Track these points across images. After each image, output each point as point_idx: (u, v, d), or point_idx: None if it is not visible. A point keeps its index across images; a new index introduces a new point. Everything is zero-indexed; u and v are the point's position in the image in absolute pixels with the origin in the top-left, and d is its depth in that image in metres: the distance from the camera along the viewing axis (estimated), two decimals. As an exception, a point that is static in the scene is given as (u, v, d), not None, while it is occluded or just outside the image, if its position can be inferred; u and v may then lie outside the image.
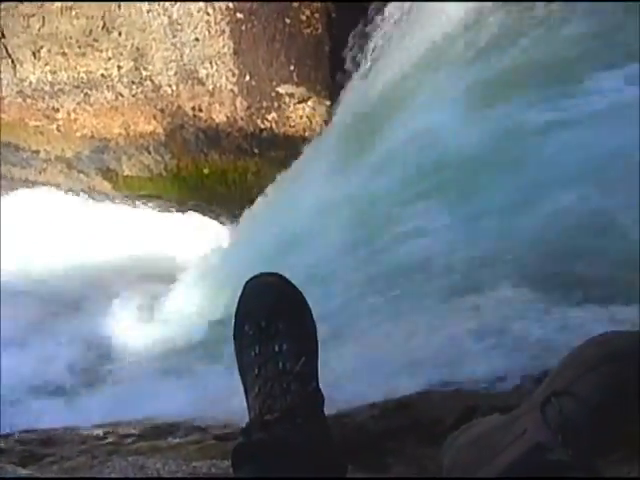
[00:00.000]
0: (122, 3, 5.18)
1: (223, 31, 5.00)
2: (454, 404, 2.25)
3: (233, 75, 5.07)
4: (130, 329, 4.67)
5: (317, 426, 1.36)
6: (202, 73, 5.15)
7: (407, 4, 4.62)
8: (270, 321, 1.41)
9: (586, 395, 1.39)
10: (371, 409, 2.22)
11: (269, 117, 5.07)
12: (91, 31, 5.28)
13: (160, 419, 2.53)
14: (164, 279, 5.09)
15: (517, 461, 1.37)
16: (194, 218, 5.66)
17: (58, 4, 5.25)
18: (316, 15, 4.80)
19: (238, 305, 1.47)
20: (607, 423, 1.39)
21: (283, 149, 5.10)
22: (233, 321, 1.47)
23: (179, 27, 5.12)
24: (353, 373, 2.83)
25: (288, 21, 4.84)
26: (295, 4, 4.77)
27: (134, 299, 4.98)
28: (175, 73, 5.24)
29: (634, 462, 1.55)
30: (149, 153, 5.53)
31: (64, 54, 5.43)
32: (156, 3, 5.11)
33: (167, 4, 5.08)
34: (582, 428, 1.36)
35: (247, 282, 1.48)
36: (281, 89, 4.98)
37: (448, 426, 1.91)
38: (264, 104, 5.05)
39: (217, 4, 4.94)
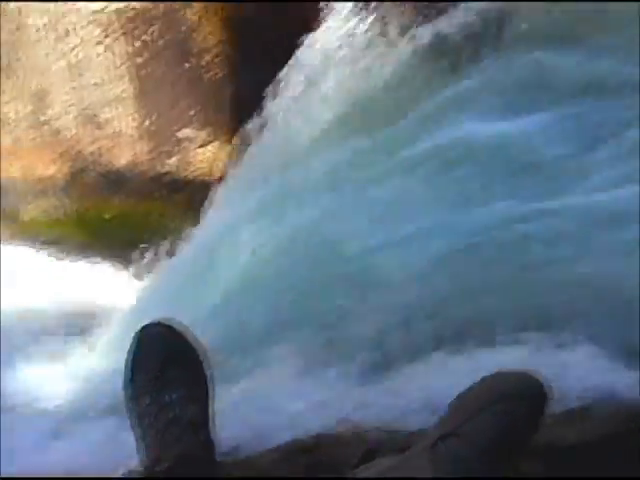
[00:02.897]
0: (20, 47, 5.11)
1: (123, 75, 4.98)
2: (358, 445, 2.26)
3: (134, 119, 5.05)
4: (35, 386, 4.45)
5: (209, 474, 1.36)
6: (102, 117, 5.11)
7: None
8: (160, 371, 1.41)
9: (475, 436, 1.41)
10: (272, 453, 2.21)
11: (170, 161, 5.06)
12: (-11, 74, 5.19)
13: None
14: (67, 330, 4.91)
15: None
16: (96, 264, 5.53)
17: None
18: (216, 60, 4.84)
19: (128, 356, 1.47)
20: (498, 463, 1.42)
21: (187, 192, 5.08)
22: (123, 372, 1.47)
23: (79, 71, 5.07)
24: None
25: (187, 66, 4.87)
26: (195, 49, 4.80)
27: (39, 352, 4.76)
28: (75, 117, 5.18)
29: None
30: (49, 198, 5.42)
31: (-39, 97, 5.30)
32: (56, 47, 5.06)
33: (66, 48, 5.04)
34: (474, 469, 1.39)
35: (137, 332, 1.48)
36: (181, 134, 4.98)
37: (351, 467, 1.92)
38: (165, 148, 5.04)
39: (117, 49, 4.92)
